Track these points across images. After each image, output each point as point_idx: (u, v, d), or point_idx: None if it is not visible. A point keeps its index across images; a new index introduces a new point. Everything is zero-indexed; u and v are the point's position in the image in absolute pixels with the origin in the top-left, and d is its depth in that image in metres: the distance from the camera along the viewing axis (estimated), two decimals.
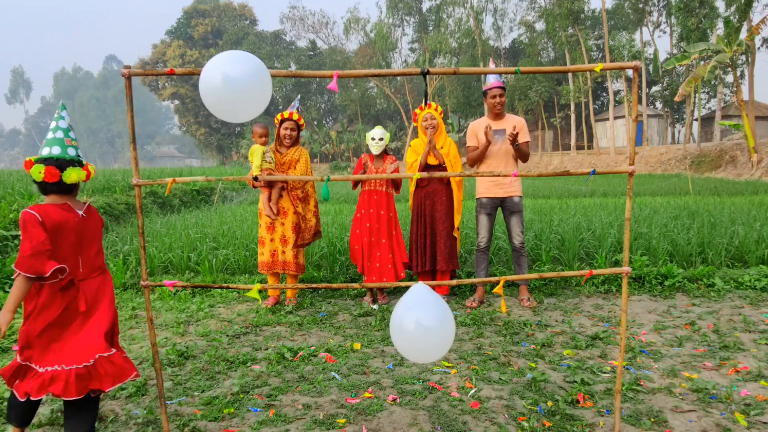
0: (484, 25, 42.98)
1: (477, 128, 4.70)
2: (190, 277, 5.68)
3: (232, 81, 1.83)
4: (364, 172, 4.85)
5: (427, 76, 2.09)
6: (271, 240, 4.72)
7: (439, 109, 4.82)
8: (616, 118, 34.41)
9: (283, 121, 4.69)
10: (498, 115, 4.65)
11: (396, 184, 4.93)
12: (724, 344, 3.58)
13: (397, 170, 4.94)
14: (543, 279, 5.16)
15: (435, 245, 4.79)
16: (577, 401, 2.79)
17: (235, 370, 3.31)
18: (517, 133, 4.38)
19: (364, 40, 46.42)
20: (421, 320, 1.87)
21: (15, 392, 2.23)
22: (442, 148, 4.77)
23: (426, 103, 2.41)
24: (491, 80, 4.57)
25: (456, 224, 4.86)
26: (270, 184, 4.63)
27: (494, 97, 4.54)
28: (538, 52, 40.30)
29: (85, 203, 2.34)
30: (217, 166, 39.36)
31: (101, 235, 2.46)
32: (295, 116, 4.67)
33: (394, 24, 44.89)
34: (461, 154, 38.03)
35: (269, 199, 4.65)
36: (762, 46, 33.83)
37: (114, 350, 2.30)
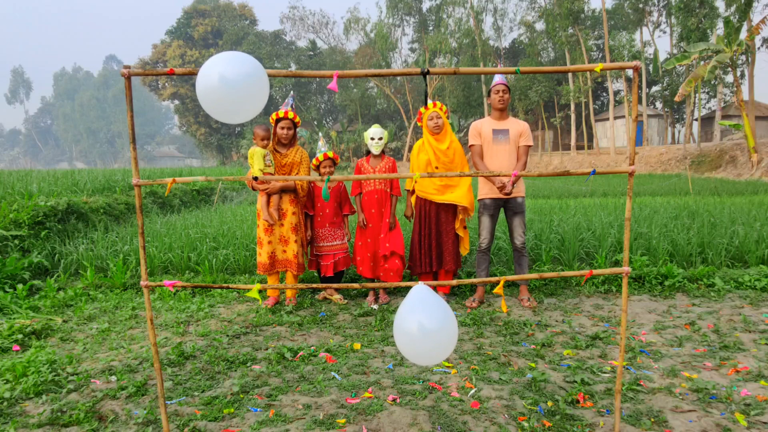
0: (484, 25, 42.98)
1: (479, 127, 4.69)
2: (190, 277, 5.68)
3: (229, 82, 1.82)
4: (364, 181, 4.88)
5: (427, 76, 2.09)
6: (269, 242, 4.71)
7: (444, 108, 4.73)
8: (616, 118, 34.40)
9: (278, 120, 4.68)
10: (501, 114, 4.64)
11: (394, 185, 4.92)
12: (724, 344, 3.58)
13: (394, 170, 4.92)
14: (543, 279, 5.16)
15: (441, 245, 4.77)
16: (577, 401, 2.79)
17: (235, 370, 3.31)
18: (504, 188, 4.52)
19: (364, 40, 46.42)
20: (424, 322, 1.87)
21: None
22: (448, 149, 4.73)
23: (426, 104, 2.41)
24: (497, 78, 4.59)
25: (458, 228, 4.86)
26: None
27: (498, 92, 4.54)
28: (538, 52, 40.26)
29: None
30: (217, 166, 39.35)
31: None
32: (290, 114, 4.65)
33: (394, 24, 44.86)
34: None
35: (268, 204, 4.65)
36: (762, 46, 33.84)
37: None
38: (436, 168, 4.68)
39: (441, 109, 4.70)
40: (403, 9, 43.81)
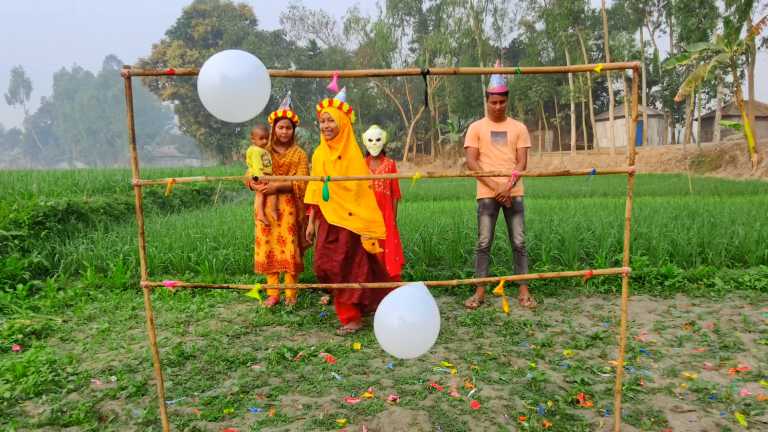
0: (484, 25, 43.00)
1: (478, 129, 4.69)
2: (190, 277, 5.68)
3: (230, 80, 1.82)
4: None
5: (427, 76, 2.09)
6: (267, 242, 4.72)
7: (345, 107, 3.81)
8: (616, 118, 34.41)
9: (277, 119, 4.69)
10: (498, 118, 4.65)
11: (394, 188, 4.92)
12: (724, 344, 3.58)
13: (394, 172, 4.92)
14: (543, 279, 5.16)
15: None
16: (577, 401, 2.79)
17: (235, 370, 3.31)
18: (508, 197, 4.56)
19: (364, 40, 46.47)
20: (405, 316, 1.90)
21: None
22: (339, 159, 3.85)
23: (426, 104, 2.41)
24: (494, 85, 4.55)
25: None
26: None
27: (495, 102, 4.55)
28: (538, 52, 40.28)
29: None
30: (217, 166, 39.34)
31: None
32: (289, 114, 4.66)
33: (394, 24, 44.92)
34: (461, 153, 37.87)
35: (264, 205, 4.65)
36: (762, 46, 33.79)
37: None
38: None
39: (341, 108, 3.82)
40: (403, 9, 43.86)
